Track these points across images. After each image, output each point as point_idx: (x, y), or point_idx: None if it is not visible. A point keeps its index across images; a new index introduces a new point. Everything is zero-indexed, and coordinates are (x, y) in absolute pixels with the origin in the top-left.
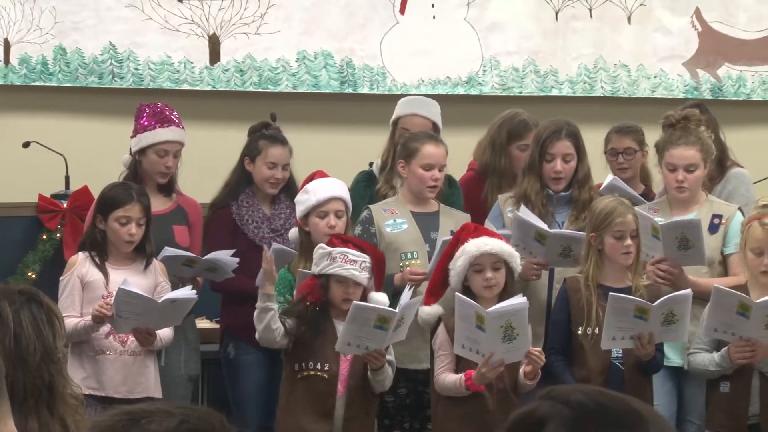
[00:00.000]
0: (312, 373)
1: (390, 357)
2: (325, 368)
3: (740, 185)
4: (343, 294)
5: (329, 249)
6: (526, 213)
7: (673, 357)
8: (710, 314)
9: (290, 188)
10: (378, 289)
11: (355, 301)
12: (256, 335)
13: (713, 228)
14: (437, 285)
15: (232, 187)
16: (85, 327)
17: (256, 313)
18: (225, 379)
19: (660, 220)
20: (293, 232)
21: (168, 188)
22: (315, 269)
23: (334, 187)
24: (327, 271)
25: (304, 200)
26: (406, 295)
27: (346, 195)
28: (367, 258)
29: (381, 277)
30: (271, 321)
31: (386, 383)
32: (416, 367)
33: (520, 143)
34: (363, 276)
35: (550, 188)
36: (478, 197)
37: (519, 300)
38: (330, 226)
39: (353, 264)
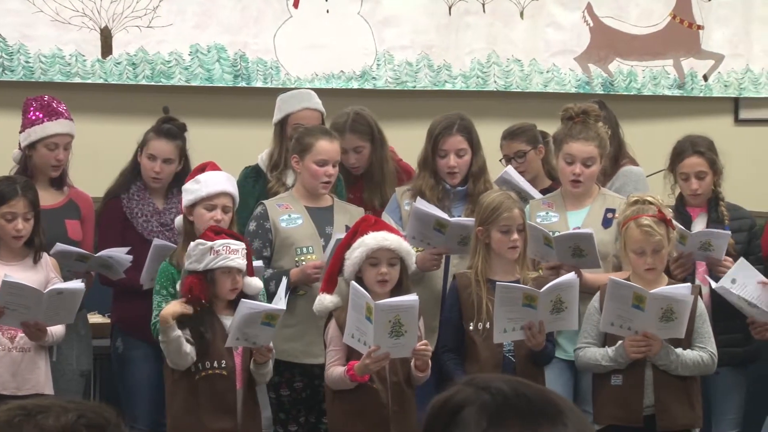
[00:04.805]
0: (210, 372)
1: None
2: (222, 365)
3: (628, 183)
4: (232, 284)
5: (209, 243)
6: (423, 204)
7: (570, 350)
8: (607, 307)
9: (183, 182)
10: (250, 274)
11: (243, 300)
12: (169, 362)
13: (606, 222)
14: (335, 274)
15: (125, 178)
16: None
17: (164, 345)
18: (115, 374)
19: (554, 215)
20: (179, 220)
21: (59, 182)
22: (198, 266)
23: (225, 182)
24: (214, 265)
25: (193, 190)
26: (281, 289)
27: (235, 191)
28: (244, 245)
29: (251, 262)
30: (183, 346)
31: (268, 377)
32: (311, 361)
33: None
34: (245, 263)
35: (446, 183)
36: None
37: (410, 297)
38: (216, 219)
39: (236, 253)
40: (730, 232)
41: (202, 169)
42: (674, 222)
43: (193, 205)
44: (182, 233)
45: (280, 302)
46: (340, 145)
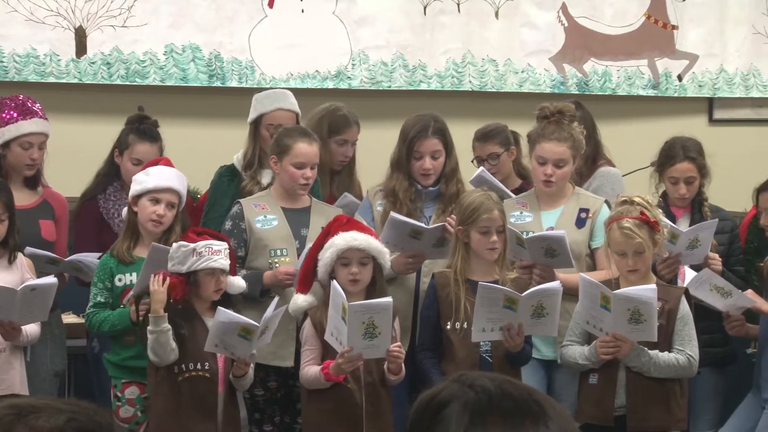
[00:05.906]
0: (194, 373)
1: (252, 351)
2: (206, 367)
3: (605, 183)
4: (215, 285)
5: (191, 245)
6: (398, 216)
7: (544, 350)
8: (582, 305)
9: None
10: (232, 273)
11: (219, 309)
12: (151, 354)
13: (580, 222)
14: (310, 274)
15: (101, 179)
16: None
17: (152, 338)
18: (91, 375)
19: (528, 215)
20: (125, 211)
21: (34, 182)
22: (181, 268)
23: (174, 179)
24: (197, 266)
25: (141, 181)
26: (271, 307)
27: (182, 189)
28: (226, 244)
29: (234, 261)
30: (170, 341)
31: (247, 386)
32: (279, 364)
33: (338, 138)
34: (228, 263)
35: (420, 183)
36: None
37: (385, 300)
38: (158, 214)
39: (218, 254)
40: (717, 220)
41: (155, 163)
42: (666, 221)
43: (138, 196)
44: (125, 224)
45: (263, 320)
46: (348, 137)
